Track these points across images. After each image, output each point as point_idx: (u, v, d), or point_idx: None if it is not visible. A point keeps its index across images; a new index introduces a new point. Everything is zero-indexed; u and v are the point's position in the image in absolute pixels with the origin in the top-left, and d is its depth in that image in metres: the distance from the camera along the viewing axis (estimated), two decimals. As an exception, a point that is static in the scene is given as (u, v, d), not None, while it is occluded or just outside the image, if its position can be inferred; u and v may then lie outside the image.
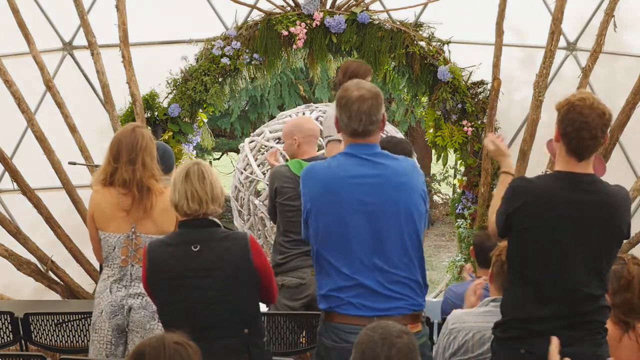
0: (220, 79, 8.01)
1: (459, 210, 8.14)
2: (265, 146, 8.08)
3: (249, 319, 3.67)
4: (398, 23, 7.97)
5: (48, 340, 5.18)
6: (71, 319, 5.17)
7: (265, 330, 3.92)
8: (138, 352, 2.58)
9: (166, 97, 7.99)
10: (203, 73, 7.90)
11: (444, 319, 4.32)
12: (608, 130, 3.35)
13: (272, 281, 3.79)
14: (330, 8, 7.95)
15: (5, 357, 4.74)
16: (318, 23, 7.86)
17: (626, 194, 3.45)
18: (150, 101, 7.86)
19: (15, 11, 7.05)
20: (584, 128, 3.29)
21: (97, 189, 4.38)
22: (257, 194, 8.53)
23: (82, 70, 8.14)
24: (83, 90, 8.11)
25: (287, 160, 5.53)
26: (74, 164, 6.58)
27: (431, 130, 8.06)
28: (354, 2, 7.95)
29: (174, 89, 7.97)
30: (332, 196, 3.54)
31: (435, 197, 17.40)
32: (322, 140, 7.90)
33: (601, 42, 7.15)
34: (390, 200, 3.52)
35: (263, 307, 4.30)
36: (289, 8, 7.96)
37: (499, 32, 7.23)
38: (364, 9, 7.89)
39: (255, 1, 8.05)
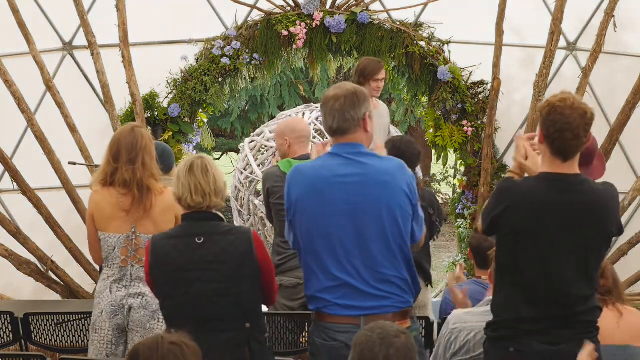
0: (220, 79, 8.01)
1: (459, 210, 8.14)
2: (265, 146, 8.08)
3: (250, 314, 3.68)
4: (398, 23, 7.97)
5: (48, 340, 5.18)
6: (71, 319, 5.17)
7: (267, 327, 3.93)
8: (134, 352, 2.59)
9: (166, 97, 7.99)
10: (203, 73, 7.90)
11: (443, 319, 4.32)
12: (591, 129, 3.36)
13: (272, 279, 3.80)
14: (330, 8, 7.95)
15: (5, 357, 4.74)
16: (318, 23, 7.86)
17: (614, 193, 3.43)
18: (150, 101, 7.86)
19: (15, 11, 7.05)
20: (566, 129, 3.30)
21: (97, 189, 4.37)
22: (257, 194, 8.53)
23: (82, 70, 8.14)
24: (83, 90, 8.11)
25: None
26: (74, 164, 6.58)
27: (431, 130, 8.06)
28: (354, 2, 7.95)
29: (174, 89, 7.97)
30: (316, 196, 3.56)
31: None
32: (321, 140, 7.92)
33: (601, 42, 7.15)
34: (373, 199, 3.53)
35: (263, 308, 4.30)
36: (289, 8, 7.97)
37: (499, 32, 7.23)
38: (364, 9, 7.89)
39: (255, 1, 8.05)
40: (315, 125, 8.01)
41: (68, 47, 8.15)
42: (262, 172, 8.32)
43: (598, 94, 7.86)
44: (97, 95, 7.98)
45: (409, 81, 8.08)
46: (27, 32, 7.13)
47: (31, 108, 7.42)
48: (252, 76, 8.20)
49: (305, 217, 3.58)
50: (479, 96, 7.92)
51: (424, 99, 8.30)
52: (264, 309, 4.36)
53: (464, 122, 7.86)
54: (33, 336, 5.17)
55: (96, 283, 7.46)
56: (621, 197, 7.04)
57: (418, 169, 6.81)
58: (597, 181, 3.54)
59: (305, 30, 7.87)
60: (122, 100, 7.68)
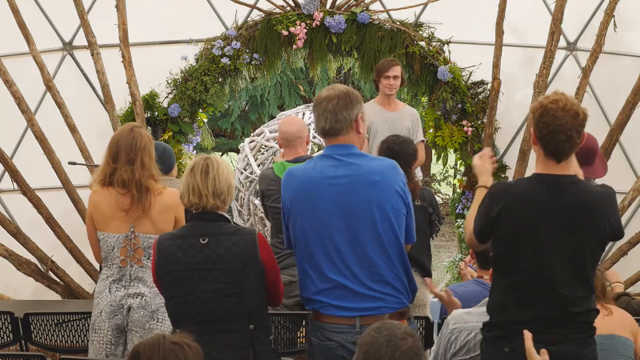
0: (220, 79, 8.01)
1: (459, 210, 8.14)
2: (265, 146, 8.09)
3: (255, 315, 3.68)
4: (398, 23, 7.97)
5: (48, 340, 5.18)
6: (71, 319, 5.16)
7: (272, 329, 3.93)
8: (135, 351, 2.58)
9: (166, 97, 7.99)
10: (203, 73, 7.90)
11: (443, 319, 4.32)
12: (587, 129, 3.35)
13: (278, 280, 3.80)
14: (330, 8, 7.95)
15: (5, 357, 4.74)
16: (318, 23, 7.86)
17: (609, 194, 3.41)
18: (150, 101, 7.86)
19: (15, 11, 7.05)
20: (559, 130, 3.29)
21: (96, 189, 4.38)
22: (257, 194, 8.53)
23: (82, 70, 8.14)
24: (83, 90, 8.11)
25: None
26: (74, 164, 6.58)
27: (431, 130, 8.06)
28: (354, 2, 7.95)
29: (174, 89, 7.97)
30: (308, 198, 3.57)
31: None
32: (321, 140, 7.92)
33: (601, 42, 7.15)
34: (363, 200, 3.53)
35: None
36: (289, 8, 7.96)
37: (499, 32, 7.23)
38: (364, 9, 7.89)
39: (255, 1, 8.05)
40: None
41: (68, 47, 8.16)
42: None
43: (598, 94, 7.86)
44: (97, 95, 7.98)
45: (409, 81, 8.07)
46: (27, 32, 7.13)
47: (31, 108, 7.41)
48: (252, 76, 8.20)
49: (298, 219, 3.59)
50: (479, 96, 7.92)
51: (424, 99, 8.31)
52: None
53: (464, 122, 7.86)
54: (33, 336, 5.17)
55: (96, 283, 7.48)
56: (621, 197, 7.05)
57: (418, 169, 6.83)
58: (597, 181, 3.53)
59: (305, 30, 7.87)
60: (122, 100, 7.68)
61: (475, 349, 3.73)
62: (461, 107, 7.87)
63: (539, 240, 3.32)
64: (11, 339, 5.20)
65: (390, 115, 6.65)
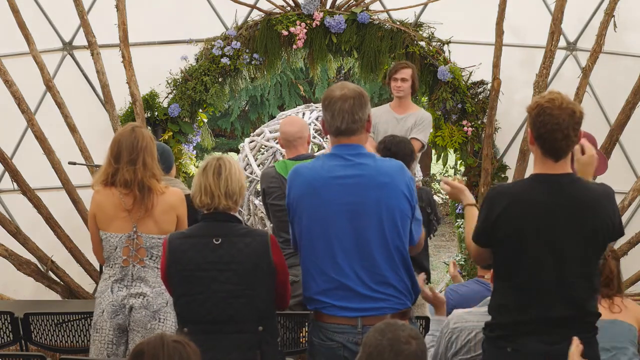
0: (220, 79, 8.01)
1: (459, 210, 8.15)
2: (265, 146, 8.08)
3: (263, 316, 3.68)
4: (398, 23, 7.97)
5: (48, 340, 5.18)
6: (71, 319, 5.16)
7: (279, 331, 3.94)
8: (137, 350, 2.58)
9: (166, 97, 7.99)
10: (203, 73, 7.90)
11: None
12: (581, 128, 3.35)
13: (287, 282, 3.80)
14: (330, 8, 7.95)
15: (5, 357, 4.74)
16: (318, 23, 7.86)
17: (608, 193, 3.40)
18: (150, 101, 7.86)
19: (15, 11, 7.05)
20: (556, 129, 3.29)
21: (99, 189, 4.39)
22: (257, 194, 8.53)
23: (82, 70, 8.14)
24: (83, 90, 8.11)
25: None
26: (74, 164, 6.58)
27: (431, 130, 8.05)
28: (354, 2, 7.96)
29: (174, 89, 7.97)
30: (315, 197, 3.55)
31: (435, 197, 17.37)
32: (321, 140, 7.92)
33: (601, 42, 7.15)
34: (372, 201, 3.53)
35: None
36: (289, 8, 7.97)
37: (499, 32, 7.23)
38: (364, 9, 7.89)
39: (255, 1, 8.05)
40: (315, 125, 8.01)
41: (68, 47, 8.15)
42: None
43: (598, 94, 7.86)
44: (97, 95, 7.98)
45: (408, 81, 8.07)
46: (27, 32, 7.13)
47: (31, 108, 7.41)
48: (252, 76, 8.20)
49: (303, 218, 3.58)
50: (479, 96, 7.92)
51: (424, 99, 8.31)
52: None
53: (464, 122, 7.86)
54: (33, 336, 5.17)
55: (96, 283, 7.48)
56: (621, 197, 7.04)
57: (418, 169, 6.83)
58: (598, 179, 3.53)
59: (305, 30, 7.87)
60: (122, 100, 7.68)
61: (476, 348, 3.73)
62: (461, 107, 7.87)
63: (539, 241, 3.32)
64: (11, 339, 5.20)
65: (396, 117, 6.65)
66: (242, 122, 15.65)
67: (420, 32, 7.98)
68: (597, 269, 3.45)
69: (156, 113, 7.91)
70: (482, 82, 7.93)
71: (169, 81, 7.97)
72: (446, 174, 17.64)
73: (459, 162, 8.57)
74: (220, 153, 4.03)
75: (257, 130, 8.48)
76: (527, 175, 4.14)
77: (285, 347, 4.95)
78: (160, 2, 8.11)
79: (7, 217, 7.55)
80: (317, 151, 8.26)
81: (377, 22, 7.94)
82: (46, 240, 7.50)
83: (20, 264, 7.28)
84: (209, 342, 3.57)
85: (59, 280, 7.53)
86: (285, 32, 7.85)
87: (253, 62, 7.99)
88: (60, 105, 7.35)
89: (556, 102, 3.31)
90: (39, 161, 7.39)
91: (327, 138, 5.46)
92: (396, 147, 5.44)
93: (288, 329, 5.01)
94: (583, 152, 3.60)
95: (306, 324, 4.93)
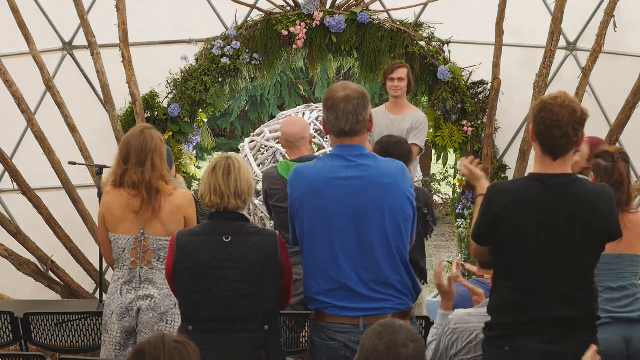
0: (220, 79, 8.00)
1: (459, 210, 8.14)
2: (265, 146, 8.09)
3: (269, 316, 3.69)
4: (398, 23, 7.97)
5: (48, 340, 5.18)
6: (71, 319, 5.17)
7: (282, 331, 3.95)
8: (138, 350, 2.58)
9: (166, 97, 7.99)
10: (203, 73, 7.90)
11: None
12: (582, 129, 3.35)
13: (291, 283, 3.82)
14: (330, 8, 7.95)
15: (5, 357, 4.74)
16: (318, 23, 7.86)
17: (607, 193, 3.41)
18: (150, 101, 7.86)
19: (15, 11, 7.05)
20: (555, 126, 3.29)
21: (108, 191, 4.41)
22: (257, 194, 8.53)
23: (82, 70, 8.13)
24: (83, 90, 8.10)
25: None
26: (74, 164, 6.58)
27: (431, 130, 8.05)
28: (354, 2, 7.95)
29: (174, 89, 7.97)
30: (317, 198, 3.56)
31: (435, 197, 17.41)
32: (321, 140, 7.93)
33: (601, 42, 7.15)
34: (374, 202, 3.53)
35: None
36: (289, 8, 7.96)
37: (499, 32, 7.23)
38: (364, 9, 7.89)
39: (255, 1, 8.05)
40: (315, 125, 8.02)
41: (68, 47, 8.15)
42: (262, 172, 8.32)
43: (598, 94, 7.86)
44: (97, 95, 7.98)
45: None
46: (27, 32, 7.12)
47: (31, 108, 7.41)
48: (252, 76, 8.19)
49: (305, 218, 3.58)
50: (479, 96, 7.92)
51: (424, 99, 8.30)
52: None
53: (464, 122, 7.86)
54: (33, 336, 5.17)
55: (96, 283, 7.49)
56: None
57: (418, 169, 6.84)
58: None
59: (305, 30, 7.87)
60: (122, 100, 7.68)
61: (477, 349, 3.73)
62: (461, 107, 7.87)
63: (538, 240, 3.32)
64: (11, 339, 5.20)
65: (392, 119, 6.66)
66: (242, 122, 15.67)
67: (420, 32, 7.98)
68: (595, 268, 3.45)
69: (156, 113, 7.91)
70: (482, 82, 7.92)
71: (169, 81, 7.96)
72: (446, 174, 17.66)
73: (459, 162, 8.56)
74: (227, 153, 4.04)
75: (257, 130, 8.50)
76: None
77: (286, 347, 4.95)
78: (160, 2, 8.11)
79: (7, 217, 7.55)
80: (317, 151, 8.27)
81: (377, 22, 7.94)
82: (46, 240, 7.50)
83: (20, 264, 7.28)
84: (215, 340, 3.58)
85: (59, 280, 7.53)
86: (285, 32, 7.85)
87: (253, 62, 7.99)
88: (60, 105, 7.34)
89: (558, 100, 3.32)
90: (39, 161, 7.39)
91: (327, 138, 5.47)
92: (393, 148, 5.44)
93: (289, 328, 5.01)
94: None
95: (306, 323, 4.94)
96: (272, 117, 13.68)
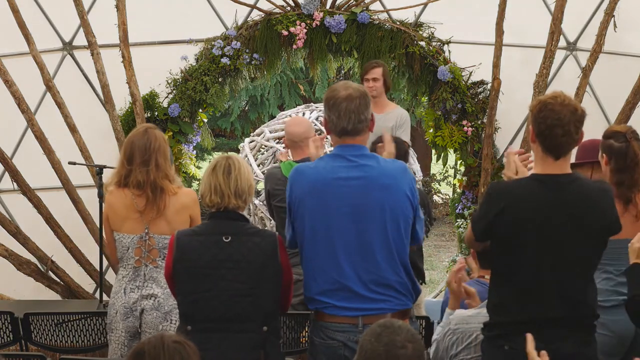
0: (220, 79, 8.00)
1: (459, 210, 8.14)
2: (265, 146, 8.09)
3: (268, 317, 3.69)
4: (398, 23, 7.97)
5: (48, 340, 5.18)
6: (71, 319, 5.17)
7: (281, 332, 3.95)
8: (138, 350, 2.58)
9: (166, 97, 7.99)
10: (203, 73, 7.90)
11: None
12: (582, 128, 3.35)
13: (290, 285, 3.82)
14: (330, 8, 7.95)
15: (5, 357, 4.74)
16: (318, 23, 7.85)
17: (606, 190, 3.41)
18: (150, 101, 7.86)
19: (15, 11, 7.05)
20: (556, 125, 3.30)
21: (112, 190, 4.41)
22: (257, 193, 8.53)
23: (82, 70, 8.13)
24: (83, 90, 8.10)
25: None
26: (74, 164, 6.59)
27: (431, 130, 8.06)
28: (354, 2, 7.95)
29: (174, 89, 7.97)
30: (318, 197, 3.56)
31: (435, 197, 17.41)
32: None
33: (601, 42, 7.15)
34: (375, 202, 3.53)
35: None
36: (289, 8, 7.96)
37: (499, 32, 7.23)
38: (364, 9, 7.89)
39: (255, 1, 8.05)
40: (315, 125, 8.02)
41: (68, 47, 8.15)
42: (262, 172, 8.32)
43: (598, 94, 7.86)
44: (97, 95, 7.98)
45: (409, 81, 8.08)
46: (27, 32, 7.13)
47: (31, 108, 7.42)
48: (252, 76, 8.20)
49: (306, 218, 3.58)
50: (479, 96, 7.92)
51: (424, 99, 8.30)
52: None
53: (464, 122, 7.86)
54: (33, 336, 5.18)
55: (96, 283, 7.49)
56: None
57: (418, 169, 6.84)
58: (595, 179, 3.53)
59: (305, 30, 7.86)
60: (122, 100, 7.68)
61: (477, 350, 3.74)
62: (461, 107, 7.87)
63: (539, 240, 3.32)
64: (11, 339, 5.20)
65: (376, 116, 6.65)
66: (242, 122, 15.67)
67: (420, 32, 7.98)
68: (596, 267, 3.45)
69: (156, 113, 7.91)
70: (482, 82, 7.92)
71: (169, 81, 7.96)
72: (446, 174, 17.65)
73: (459, 162, 8.56)
74: (227, 153, 4.04)
75: (257, 130, 8.50)
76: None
77: (286, 347, 4.95)
78: (160, 2, 8.10)
79: (7, 217, 7.55)
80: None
81: (377, 22, 7.94)
82: (46, 240, 7.50)
83: (20, 264, 7.28)
84: (214, 340, 3.58)
85: (59, 280, 7.53)
86: (285, 32, 7.85)
87: (253, 62, 7.99)
88: (60, 105, 7.35)
89: (558, 99, 3.33)
90: (39, 161, 7.39)
91: (327, 138, 5.45)
92: None
93: (289, 328, 5.01)
94: None
95: (306, 324, 4.94)
96: (272, 117, 13.67)
